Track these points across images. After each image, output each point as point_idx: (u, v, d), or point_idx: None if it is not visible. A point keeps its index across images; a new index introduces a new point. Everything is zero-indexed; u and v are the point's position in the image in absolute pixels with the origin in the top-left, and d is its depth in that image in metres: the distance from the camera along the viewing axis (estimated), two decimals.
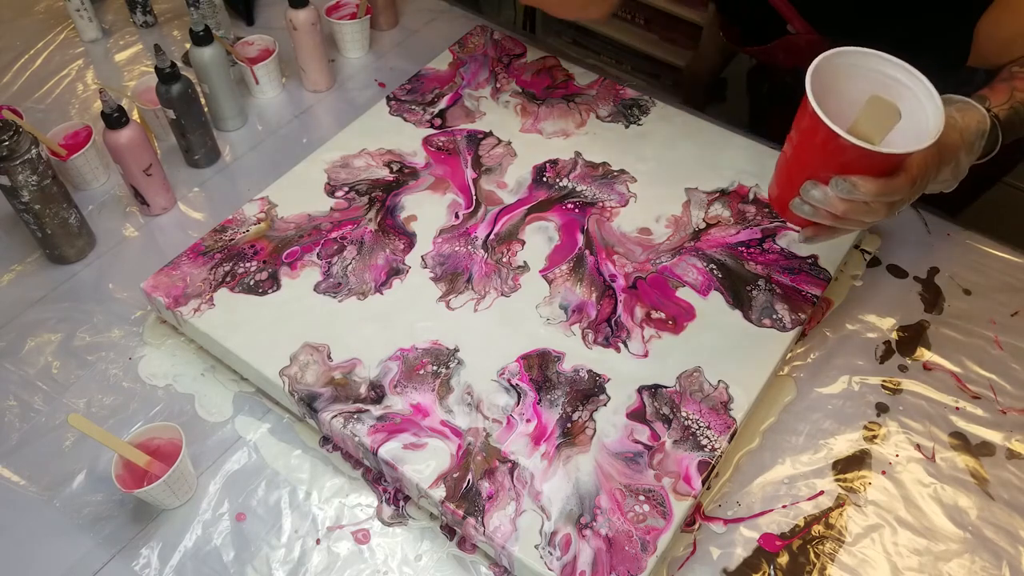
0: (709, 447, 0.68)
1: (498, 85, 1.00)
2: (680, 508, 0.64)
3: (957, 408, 0.75)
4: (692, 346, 0.74)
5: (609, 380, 0.72)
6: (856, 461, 0.72)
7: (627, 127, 0.95)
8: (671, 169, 0.90)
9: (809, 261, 0.80)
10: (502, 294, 0.79)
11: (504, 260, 0.81)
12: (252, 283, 0.80)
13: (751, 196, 0.86)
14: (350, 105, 1.05)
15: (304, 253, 0.82)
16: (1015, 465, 0.71)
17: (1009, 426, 0.74)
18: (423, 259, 0.82)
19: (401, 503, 0.70)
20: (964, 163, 0.69)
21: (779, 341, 0.75)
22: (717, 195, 0.87)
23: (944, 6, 0.74)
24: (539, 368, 0.73)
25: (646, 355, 0.74)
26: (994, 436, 0.73)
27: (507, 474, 0.66)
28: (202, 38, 0.94)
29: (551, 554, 0.62)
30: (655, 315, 0.77)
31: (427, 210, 0.86)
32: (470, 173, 0.90)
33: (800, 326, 0.76)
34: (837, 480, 0.71)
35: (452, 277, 0.80)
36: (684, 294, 0.78)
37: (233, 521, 0.69)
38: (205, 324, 0.76)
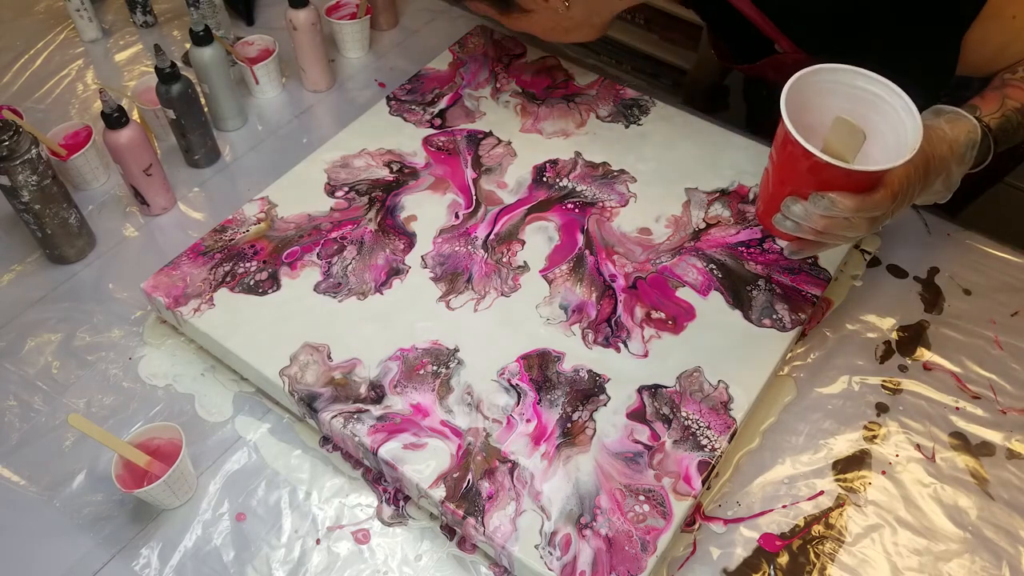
0: (709, 447, 0.68)
1: (498, 85, 1.00)
2: (680, 508, 0.64)
3: (957, 408, 0.75)
4: (692, 346, 0.74)
5: (609, 380, 0.72)
6: (856, 461, 0.72)
7: (627, 127, 0.95)
8: (671, 169, 0.90)
9: (809, 261, 0.80)
10: (502, 294, 0.79)
11: (504, 260, 0.81)
12: (252, 283, 0.80)
13: (751, 196, 0.86)
14: (350, 105, 1.05)
15: (304, 253, 0.82)
16: (1015, 465, 0.71)
17: (1009, 426, 0.74)
18: (423, 259, 0.82)
19: (401, 503, 0.70)
20: (955, 174, 0.69)
21: (779, 341, 0.75)
22: (717, 195, 0.87)
23: (928, 22, 0.74)
24: (539, 368, 0.73)
25: (646, 355, 0.74)
26: (994, 436, 0.73)
27: (507, 474, 0.66)
28: (202, 38, 0.94)
29: (551, 554, 0.62)
30: (655, 315, 0.77)
31: (427, 210, 0.86)
32: (470, 173, 0.90)
33: (800, 326, 0.76)
34: (837, 480, 0.71)
35: (452, 277, 0.80)
36: (684, 294, 0.78)
37: (233, 521, 0.69)
38: (205, 324, 0.76)
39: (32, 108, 1.05)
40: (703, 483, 0.66)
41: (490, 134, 0.94)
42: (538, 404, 0.71)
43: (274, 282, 0.80)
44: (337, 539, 0.68)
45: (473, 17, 1.16)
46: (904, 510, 0.69)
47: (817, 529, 0.68)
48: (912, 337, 0.80)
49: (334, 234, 0.84)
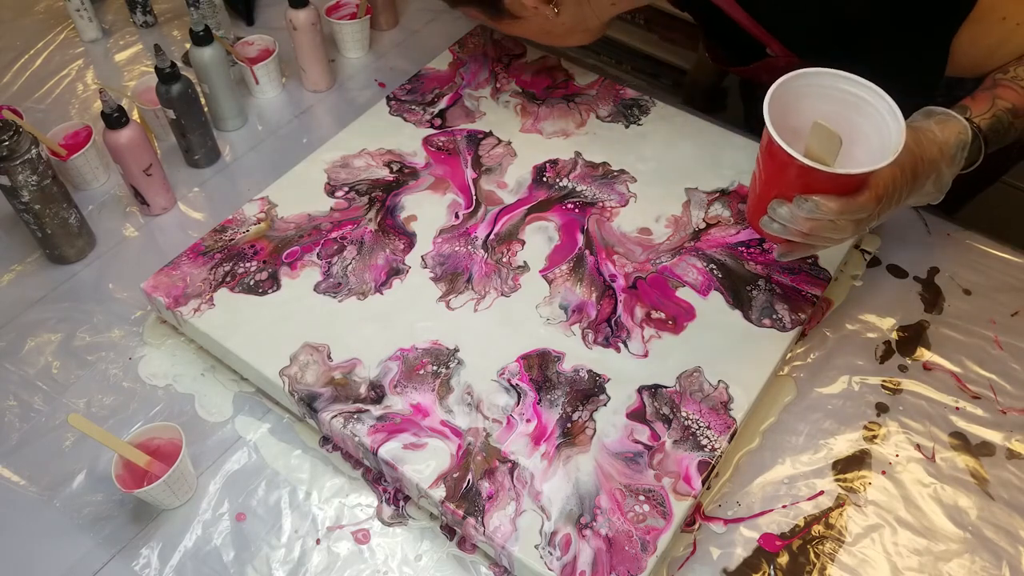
0: (709, 447, 0.68)
1: (498, 85, 1.00)
2: (680, 508, 0.64)
3: (957, 408, 0.75)
4: (692, 346, 0.74)
5: (609, 380, 0.72)
6: (856, 461, 0.72)
7: (627, 127, 0.95)
8: (671, 169, 0.90)
9: (809, 261, 0.80)
10: (502, 294, 0.79)
11: (504, 260, 0.81)
12: (252, 283, 0.80)
13: None
14: (350, 105, 1.05)
15: (304, 253, 0.82)
16: (1015, 465, 0.71)
17: (1009, 426, 0.74)
18: (423, 259, 0.82)
19: (401, 503, 0.70)
20: (946, 175, 0.70)
21: (779, 341, 0.75)
22: (717, 195, 0.87)
23: (917, 24, 0.74)
24: (539, 368, 0.73)
25: (646, 355, 0.74)
26: (994, 436, 0.73)
27: (507, 474, 0.66)
28: (202, 38, 0.94)
29: (551, 554, 0.62)
30: (655, 315, 0.77)
31: (427, 210, 0.86)
32: (470, 173, 0.90)
33: (800, 326, 0.76)
34: (837, 480, 0.71)
35: (452, 277, 0.80)
36: (684, 294, 0.78)
37: (233, 521, 0.69)
38: (205, 324, 0.76)
39: (32, 108, 1.05)
40: (703, 483, 0.66)
41: (490, 134, 0.94)
42: (538, 404, 0.71)
43: (274, 282, 0.80)
44: (337, 539, 0.68)
45: None
46: (904, 510, 0.69)
47: (817, 529, 0.68)
48: (912, 337, 0.80)
49: (334, 234, 0.84)
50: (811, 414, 0.75)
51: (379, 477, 0.71)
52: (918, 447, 0.72)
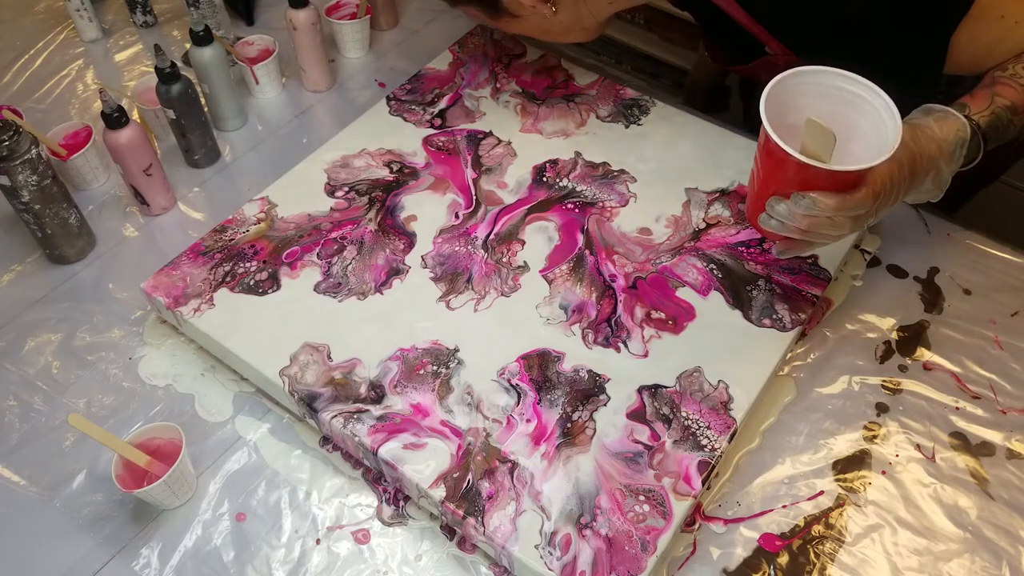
0: (709, 447, 0.68)
1: (498, 85, 1.00)
2: (680, 508, 0.64)
3: (957, 408, 0.75)
4: (692, 346, 0.74)
5: (609, 380, 0.72)
6: (856, 461, 0.72)
7: (627, 127, 0.95)
8: (671, 169, 0.90)
9: (809, 261, 0.80)
10: (502, 294, 0.79)
11: (504, 260, 0.81)
12: (252, 283, 0.80)
13: None
14: (350, 105, 1.05)
15: (304, 253, 0.82)
16: (1015, 465, 0.71)
17: (1009, 426, 0.74)
18: (423, 259, 0.82)
19: (401, 503, 0.70)
20: (945, 173, 0.70)
21: (779, 341, 0.75)
22: (717, 195, 0.87)
23: (916, 22, 0.74)
24: (539, 368, 0.73)
25: (646, 355, 0.74)
26: (994, 436, 0.73)
27: (507, 474, 0.66)
28: (202, 38, 0.94)
29: (551, 554, 0.62)
30: (655, 315, 0.77)
31: (427, 210, 0.86)
32: (470, 173, 0.90)
33: (800, 326, 0.76)
34: (837, 480, 0.71)
35: (452, 277, 0.80)
36: (684, 294, 0.78)
37: (233, 521, 0.69)
38: (205, 324, 0.76)
39: (32, 108, 1.05)
40: (703, 483, 0.66)
41: (490, 134, 0.94)
42: (538, 404, 0.71)
43: (274, 282, 0.80)
44: (337, 539, 0.68)
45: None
46: (904, 510, 0.69)
47: (817, 529, 0.68)
48: (912, 337, 0.80)
49: (334, 234, 0.84)
50: (811, 414, 0.75)
51: (379, 477, 0.71)
52: (918, 447, 0.72)
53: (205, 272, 0.80)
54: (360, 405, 0.71)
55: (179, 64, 0.92)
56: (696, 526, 0.68)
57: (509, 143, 0.93)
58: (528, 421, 0.70)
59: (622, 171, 0.90)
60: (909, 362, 0.78)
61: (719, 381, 0.72)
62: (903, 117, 0.62)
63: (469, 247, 0.83)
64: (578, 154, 0.92)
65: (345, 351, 0.74)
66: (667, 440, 0.68)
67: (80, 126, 0.95)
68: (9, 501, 0.71)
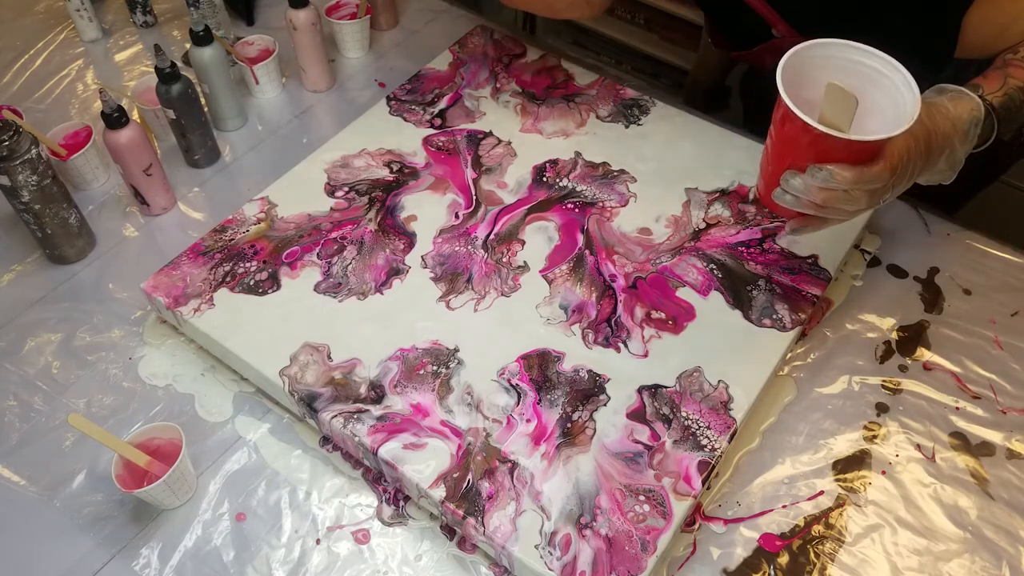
0: (709, 447, 0.68)
1: (498, 85, 1.00)
2: (680, 508, 0.64)
3: (957, 408, 0.75)
4: (692, 346, 0.74)
5: (609, 380, 0.72)
6: (856, 461, 0.72)
7: (627, 127, 0.95)
8: (671, 169, 0.90)
9: (809, 261, 0.80)
10: (502, 294, 0.79)
11: (504, 260, 0.81)
12: (252, 283, 0.80)
13: (751, 196, 0.86)
14: (350, 105, 1.05)
15: (304, 253, 0.82)
16: (1015, 465, 0.71)
17: (1009, 426, 0.74)
18: (423, 259, 0.82)
19: (401, 503, 0.70)
20: (959, 152, 0.69)
21: (779, 341, 0.75)
22: (717, 195, 0.87)
23: (928, 4, 0.74)
24: (539, 368, 0.73)
25: (646, 355, 0.74)
26: (994, 436, 0.73)
27: (507, 474, 0.66)
28: (202, 38, 0.94)
29: (551, 554, 0.62)
30: (655, 315, 0.77)
31: (427, 210, 0.86)
32: (470, 173, 0.90)
33: (800, 326, 0.76)
34: (837, 480, 0.71)
35: (452, 277, 0.80)
36: (684, 294, 0.78)
37: (233, 521, 0.69)
38: (205, 324, 0.76)
39: (32, 108, 1.05)
40: (703, 483, 0.66)
41: (490, 134, 0.94)
42: (538, 404, 0.71)
43: (274, 282, 0.80)
44: (337, 539, 0.68)
45: (473, 17, 1.16)
46: (904, 510, 0.69)
47: (817, 529, 0.68)
48: (912, 337, 0.80)
49: (334, 234, 0.84)
50: (811, 414, 0.75)
51: (379, 477, 0.71)
52: (918, 447, 0.72)
53: (205, 272, 0.80)
54: (360, 405, 0.71)
55: (179, 64, 0.92)
56: (696, 526, 0.68)
57: (509, 143, 0.93)
58: (528, 421, 0.70)
59: (622, 171, 0.90)
60: (909, 362, 0.78)
61: (719, 381, 0.72)
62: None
63: (469, 247, 0.83)
64: (578, 154, 0.92)
65: (345, 351, 0.74)
66: (667, 440, 0.68)
67: (80, 126, 0.95)
68: (9, 501, 0.71)
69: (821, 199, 0.62)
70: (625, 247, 0.82)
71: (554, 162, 0.91)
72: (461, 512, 0.64)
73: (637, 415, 0.70)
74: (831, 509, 0.69)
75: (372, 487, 0.71)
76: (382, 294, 0.79)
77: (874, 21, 0.75)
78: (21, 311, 0.84)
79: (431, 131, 0.94)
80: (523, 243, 0.83)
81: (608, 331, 0.76)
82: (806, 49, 0.63)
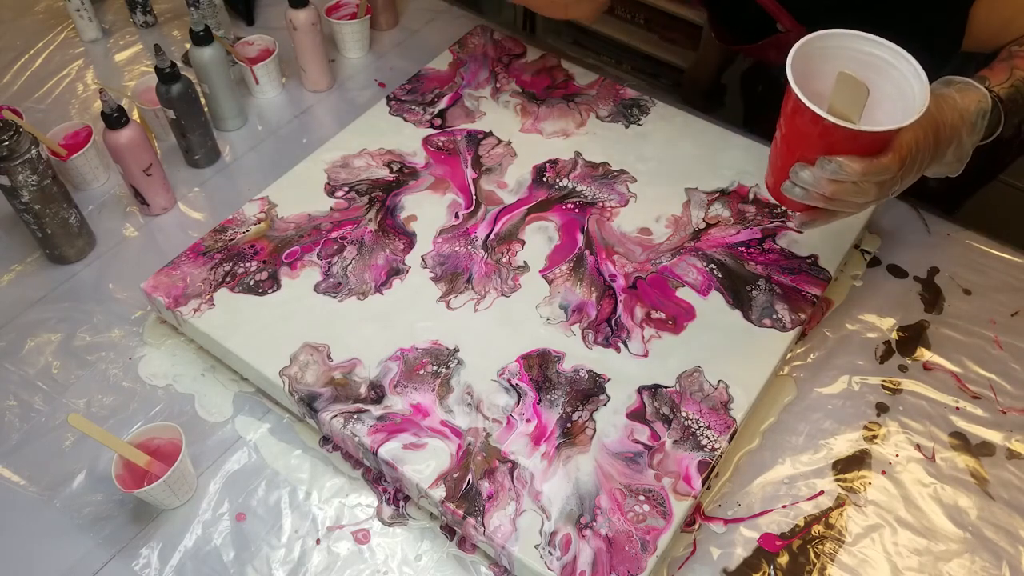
0: (709, 447, 0.68)
1: (498, 85, 1.00)
2: (680, 508, 0.64)
3: (957, 408, 0.75)
4: (692, 346, 0.74)
5: (609, 380, 0.72)
6: (856, 461, 0.72)
7: (627, 127, 0.95)
8: (671, 169, 0.90)
9: (809, 261, 0.80)
10: (502, 294, 0.79)
11: (504, 260, 0.81)
12: (252, 283, 0.80)
13: (751, 196, 0.86)
14: (350, 105, 1.05)
15: (304, 253, 0.82)
16: (1015, 465, 0.71)
17: (1009, 426, 0.74)
18: (423, 259, 0.82)
19: (401, 503, 0.70)
20: (967, 144, 0.69)
21: (779, 341, 0.75)
22: (717, 195, 0.87)
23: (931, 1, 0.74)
24: (539, 368, 0.73)
25: (646, 355, 0.74)
26: (994, 436, 0.73)
27: (507, 474, 0.66)
28: (202, 38, 0.94)
29: (551, 554, 0.62)
30: (655, 315, 0.77)
31: (427, 210, 0.86)
32: (470, 173, 0.90)
33: (800, 326, 0.76)
34: (837, 480, 0.71)
35: (452, 277, 0.80)
36: (684, 294, 0.78)
37: (233, 521, 0.69)
38: (205, 324, 0.76)
39: (32, 108, 1.05)
40: (703, 483, 0.66)
41: (490, 134, 0.94)
42: (538, 404, 0.71)
43: (274, 282, 0.80)
44: (337, 539, 0.68)
45: (473, 17, 1.16)
46: (904, 510, 0.69)
47: (817, 529, 0.68)
48: (912, 337, 0.80)
49: (334, 234, 0.84)
50: (811, 414, 0.75)
51: (379, 477, 0.71)
52: (918, 447, 0.72)
53: (205, 272, 0.80)
54: (360, 405, 0.71)
55: (179, 64, 0.92)
56: (696, 526, 0.68)
57: (509, 143, 0.93)
58: (528, 421, 0.70)
59: (622, 171, 0.90)
60: (909, 362, 0.78)
61: (719, 381, 0.72)
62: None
63: (469, 247, 0.83)
64: (578, 154, 0.92)
65: (345, 351, 0.74)
66: (667, 440, 0.68)
67: (80, 126, 0.95)
68: (9, 501, 0.71)
69: (830, 191, 0.62)
70: (625, 247, 0.82)
71: (554, 162, 0.91)
72: (461, 512, 0.64)
73: (637, 415, 0.70)
74: (831, 509, 0.69)
75: (372, 487, 0.71)
76: (382, 294, 0.79)
77: (880, 14, 0.75)
78: (21, 311, 0.84)
79: (431, 131, 0.94)
80: (523, 243, 0.83)
81: (608, 331, 0.76)
82: (815, 40, 0.63)
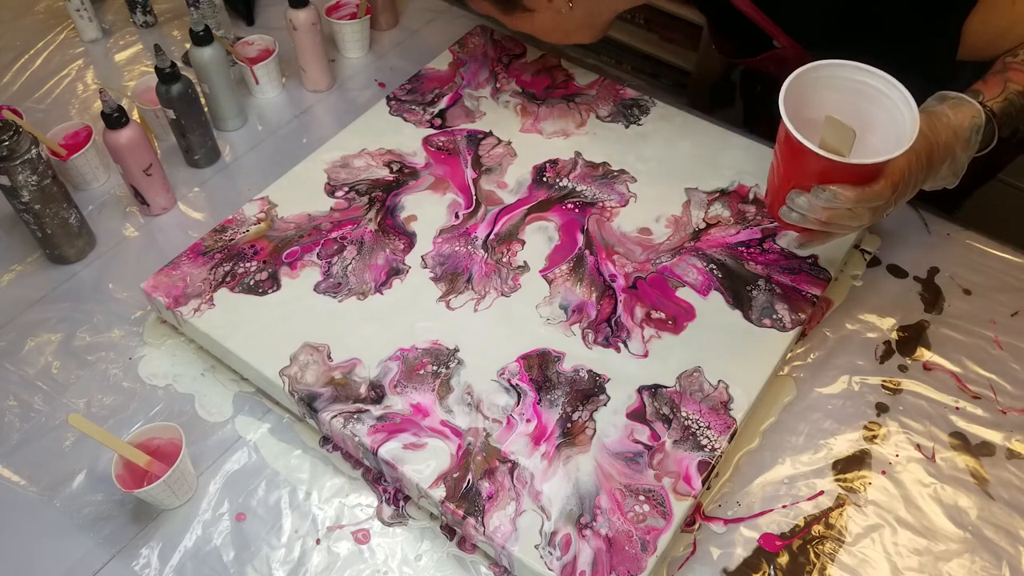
0: (709, 447, 0.68)
1: (498, 85, 1.00)
2: (680, 508, 0.64)
3: (957, 408, 0.75)
4: (692, 346, 0.74)
5: (609, 380, 0.72)
6: (856, 461, 0.72)
7: (627, 127, 0.95)
8: (671, 169, 0.90)
9: (809, 261, 0.80)
10: (502, 294, 0.79)
11: (504, 260, 0.81)
12: (252, 283, 0.80)
13: (751, 196, 0.86)
14: (350, 105, 1.05)
15: (304, 253, 0.82)
16: (1015, 465, 0.71)
17: (1009, 426, 0.74)
18: (423, 259, 0.82)
19: (401, 503, 0.70)
20: (961, 159, 0.70)
21: (779, 341, 0.75)
22: (717, 195, 0.87)
23: (929, 8, 0.75)
24: (539, 368, 0.73)
25: (646, 355, 0.74)
26: (994, 436, 0.73)
27: (507, 474, 0.66)
28: (202, 38, 0.94)
29: (551, 554, 0.62)
30: (655, 315, 0.77)
31: (427, 210, 0.86)
32: (470, 173, 0.90)
33: (800, 326, 0.76)
34: (837, 480, 0.71)
35: (452, 277, 0.80)
36: (684, 294, 0.78)
37: (233, 521, 0.69)
38: (205, 324, 0.76)
39: (32, 108, 1.05)
40: (703, 483, 0.66)
41: (490, 134, 0.94)
42: (538, 404, 0.71)
43: (274, 282, 0.80)
44: (337, 539, 0.68)
45: (473, 17, 1.16)
46: (904, 510, 0.69)
47: (817, 529, 0.68)
48: (912, 337, 0.80)
49: (334, 234, 0.84)
50: (811, 414, 0.75)
51: (379, 477, 0.71)
52: (918, 447, 0.72)
53: (205, 272, 0.80)
54: (360, 405, 0.71)
55: (179, 64, 0.92)
56: (696, 526, 0.68)
57: (509, 143, 0.93)
58: (528, 421, 0.70)
59: (622, 171, 0.90)
60: (909, 362, 0.78)
61: (719, 381, 0.72)
62: (917, 105, 0.63)
63: (469, 247, 0.83)
64: (578, 154, 0.92)
65: (345, 351, 0.74)
66: (667, 440, 0.68)
67: (80, 126, 0.95)
68: (9, 501, 0.71)
69: (825, 217, 0.65)
70: (625, 247, 0.82)
71: (554, 162, 0.91)
72: (461, 512, 0.64)
73: (637, 415, 0.70)
74: (831, 509, 0.69)
75: (372, 487, 0.71)
76: (382, 294, 0.79)
77: (875, 28, 0.76)
78: (21, 311, 0.84)
79: (431, 131, 0.94)
80: (523, 243, 0.83)
81: (608, 331, 0.76)
82: (807, 71, 0.65)
